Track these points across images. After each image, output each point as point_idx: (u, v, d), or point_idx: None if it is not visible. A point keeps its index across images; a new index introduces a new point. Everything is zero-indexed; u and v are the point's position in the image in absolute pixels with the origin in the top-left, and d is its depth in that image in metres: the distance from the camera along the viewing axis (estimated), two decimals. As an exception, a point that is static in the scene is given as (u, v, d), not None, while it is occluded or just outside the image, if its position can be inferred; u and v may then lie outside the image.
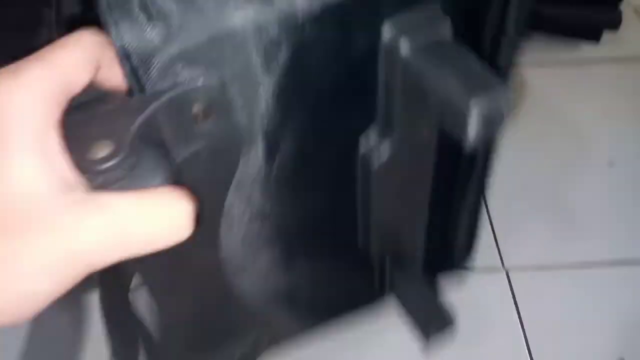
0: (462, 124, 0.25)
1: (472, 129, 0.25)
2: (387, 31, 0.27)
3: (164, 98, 0.24)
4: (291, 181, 0.32)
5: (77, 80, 0.22)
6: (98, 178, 0.21)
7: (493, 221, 0.55)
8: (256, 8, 0.24)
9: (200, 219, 0.24)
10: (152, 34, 0.23)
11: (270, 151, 0.29)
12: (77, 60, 0.22)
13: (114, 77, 0.24)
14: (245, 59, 0.25)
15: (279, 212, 0.33)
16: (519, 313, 0.49)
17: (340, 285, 0.42)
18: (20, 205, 0.20)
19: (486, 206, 0.56)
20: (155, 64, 0.24)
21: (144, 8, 0.23)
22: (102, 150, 0.22)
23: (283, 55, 0.26)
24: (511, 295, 0.50)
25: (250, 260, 0.35)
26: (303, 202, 0.34)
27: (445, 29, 0.28)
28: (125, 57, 0.24)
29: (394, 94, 0.29)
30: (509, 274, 0.51)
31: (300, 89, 0.28)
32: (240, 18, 0.24)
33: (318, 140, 0.31)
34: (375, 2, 0.27)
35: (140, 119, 0.23)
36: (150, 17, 0.23)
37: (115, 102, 0.24)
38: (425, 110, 0.28)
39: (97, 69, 0.24)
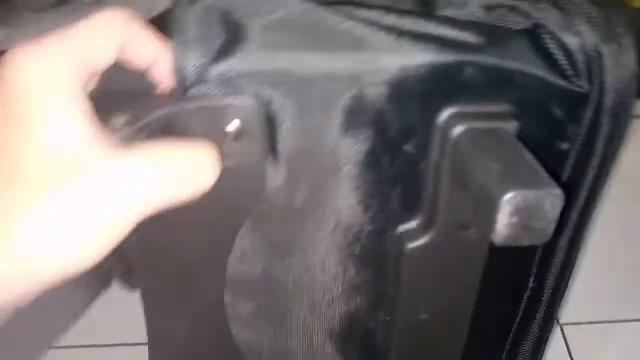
0: (490, 218, 0.21)
1: (502, 227, 0.21)
2: (447, 113, 0.26)
3: (196, 103, 0.24)
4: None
5: (100, 56, 0.23)
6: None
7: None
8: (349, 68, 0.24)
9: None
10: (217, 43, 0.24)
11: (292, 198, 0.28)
12: (99, 36, 0.22)
13: (143, 56, 0.24)
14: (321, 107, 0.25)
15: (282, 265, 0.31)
16: None
17: None
18: (60, 160, 0.21)
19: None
20: (210, 73, 0.24)
21: (224, 20, 0.24)
22: (118, 120, 0.23)
23: (359, 121, 0.26)
24: (566, 350, 0.51)
25: (246, 306, 0.33)
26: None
27: (509, 127, 0.26)
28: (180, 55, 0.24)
29: (442, 177, 0.27)
30: (563, 329, 0.52)
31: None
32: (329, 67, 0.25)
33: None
34: (449, 86, 0.26)
35: (162, 111, 0.24)
36: (225, 29, 0.24)
37: (151, 94, 0.25)
38: (466, 199, 0.25)
39: (124, 46, 0.23)
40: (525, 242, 0.22)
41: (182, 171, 0.23)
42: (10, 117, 0.21)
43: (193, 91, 0.25)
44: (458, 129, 0.26)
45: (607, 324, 0.52)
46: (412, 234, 0.29)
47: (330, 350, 0.35)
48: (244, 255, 0.31)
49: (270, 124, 0.26)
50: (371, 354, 0.36)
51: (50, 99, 0.21)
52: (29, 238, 0.20)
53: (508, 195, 0.21)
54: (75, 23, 0.23)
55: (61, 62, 0.21)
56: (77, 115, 0.21)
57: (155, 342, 0.34)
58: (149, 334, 0.34)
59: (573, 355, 0.50)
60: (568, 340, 0.51)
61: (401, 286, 0.31)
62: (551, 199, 0.21)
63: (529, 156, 0.23)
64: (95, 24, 0.23)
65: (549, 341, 0.37)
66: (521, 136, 0.25)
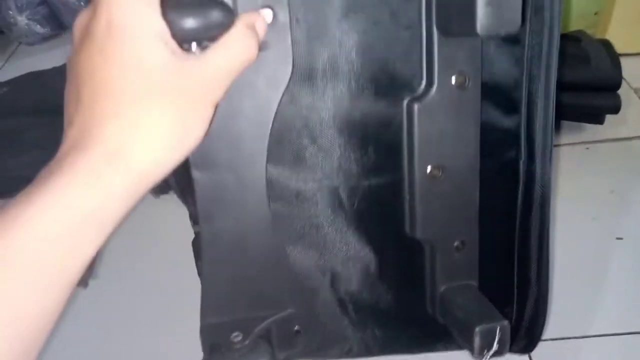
0: (473, 9, 0.29)
1: (481, 17, 0.29)
2: None
3: None
4: None
5: None
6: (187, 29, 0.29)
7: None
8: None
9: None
10: None
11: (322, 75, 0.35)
12: None
13: None
14: None
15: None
16: None
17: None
18: (159, 70, 0.26)
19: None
20: None
21: None
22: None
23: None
24: None
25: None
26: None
27: None
28: None
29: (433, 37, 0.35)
30: None
31: None
32: None
33: None
34: None
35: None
36: None
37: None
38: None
39: None
40: (502, 30, 0.29)
41: (240, 54, 0.29)
42: (111, 44, 0.26)
43: None
44: None
45: (571, 340, 0.54)
46: (418, 98, 0.35)
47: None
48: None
49: None
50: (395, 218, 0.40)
51: (141, 24, 0.26)
52: (139, 147, 0.26)
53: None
54: None
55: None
56: (163, 32, 0.27)
57: (208, 241, 0.37)
58: (203, 236, 0.37)
59: None
60: (533, 357, 0.54)
61: (415, 148, 0.36)
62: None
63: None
64: None
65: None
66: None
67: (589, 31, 0.83)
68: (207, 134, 0.29)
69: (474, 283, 0.41)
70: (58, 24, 1.05)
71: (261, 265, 0.38)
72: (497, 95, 0.38)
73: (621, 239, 0.63)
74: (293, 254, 0.39)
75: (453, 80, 0.35)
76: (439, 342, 0.44)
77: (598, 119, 0.76)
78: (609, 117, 0.76)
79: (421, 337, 0.44)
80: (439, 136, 0.36)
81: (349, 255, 0.40)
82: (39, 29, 1.02)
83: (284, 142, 0.36)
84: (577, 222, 0.65)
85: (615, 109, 0.73)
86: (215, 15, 0.30)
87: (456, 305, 0.39)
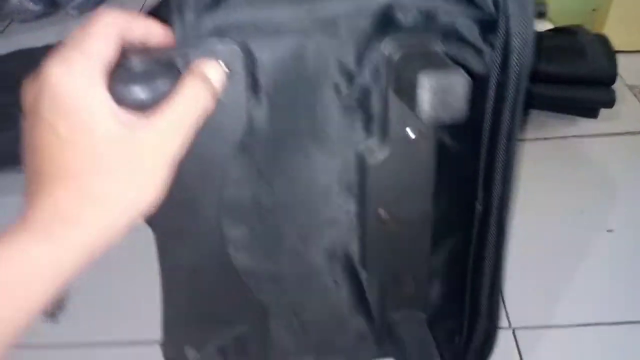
0: (416, 98, 0.29)
1: (425, 105, 0.28)
2: (386, 46, 0.33)
3: (191, 49, 0.31)
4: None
5: (112, 50, 0.28)
6: (137, 100, 0.29)
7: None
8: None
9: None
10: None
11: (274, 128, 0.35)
12: (101, 36, 0.28)
13: (140, 35, 0.31)
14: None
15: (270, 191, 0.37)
16: None
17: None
18: (109, 139, 0.27)
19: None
20: (203, 26, 0.32)
21: None
22: (131, 60, 0.29)
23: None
24: (517, 353, 0.52)
25: (240, 229, 0.39)
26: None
27: (435, 46, 0.33)
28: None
29: (389, 97, 0.34)
30: (515, 332, 0.54)
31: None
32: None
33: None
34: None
35: (169, 52, 0.31)
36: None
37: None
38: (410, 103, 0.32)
39: (123, 34, 0.29)
40: (446, 118, 0.29)
41: (196, 103, 0.29)
42: (57, 119, 0.26)
43: (190, 42, 0.32)
44: (396, 55, 0.32)
45: (560, 329, 0.54)
46: (372, 150, 0.36)
47: (319, 267, 0.41)
48: (236, 181, 0.36)
49: (250, 63, 0.33)
50: (352, 267, 0.41)
51: (85, 97, 0.27)
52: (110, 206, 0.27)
53: (423, 74, 0.28)
54: (79, 29, 0.28)
55: (83, 66, 0.27)
56: (107, 103, 0.27)
57: (166, 269, 0.39)
58: (160, 263, 0.39)
59: (523, 357, 0.52)
60: (520, 344, 0.54)
61: (366, 194, 0.37)
62: (459, 79, 0.28)
63: (448, 60, 0.30)
64: (95, 26, 0.28)
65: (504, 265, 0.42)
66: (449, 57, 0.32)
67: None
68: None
69: (422, 314, 0.42)
70: (51, 2, 1.04)
71: (216, 287, 0.40)
72: (458, 138, 0.38)
73: (612, 231, 0.63)
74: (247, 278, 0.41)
75: (407, 132, 0.35)
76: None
77: (592, 113, 0.76)
78: (602, 112, 0.76)
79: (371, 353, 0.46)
80: (391, 186, 0.37)
81: (303, 276, 0.41)
82: (31, 6, 1.01)
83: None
84: (567, 214, 0.66)
85: (610, 103, 0.73)
86: (164, 83, 0.29)
87: (398, 336, 0.41)
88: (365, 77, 0.34)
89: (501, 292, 0.57)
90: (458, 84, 0.28)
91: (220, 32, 0.32)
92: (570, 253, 0.61)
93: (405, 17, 0.33)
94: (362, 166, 0.37)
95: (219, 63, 0.32)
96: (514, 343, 0.54)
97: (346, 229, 0.39)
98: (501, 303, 0.57)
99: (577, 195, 0.68)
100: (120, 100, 0.28)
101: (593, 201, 0.67)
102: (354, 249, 0.40)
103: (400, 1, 0.32)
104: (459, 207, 0.40)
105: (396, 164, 0.36)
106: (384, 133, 0.35)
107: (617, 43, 0.75)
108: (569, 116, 0.78)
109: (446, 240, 0.41)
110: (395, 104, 0.34)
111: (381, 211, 0.38)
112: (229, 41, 0.32)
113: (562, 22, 0.84)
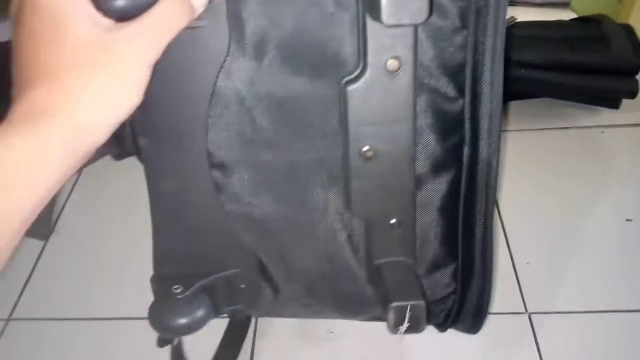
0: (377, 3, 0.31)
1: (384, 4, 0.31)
2: None
3: None
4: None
5: None
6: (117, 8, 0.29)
7: (516, 268, 0.59)
8: None
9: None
10: None
11: (258, 53, 0.35)
12: None
13: None
14: None
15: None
16: (540, 355, 0.52)
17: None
18: (90, 44, 0.28)
19: (510, 255, 0.62)
20: None
21: None
22: None
23: None
24: (533, 338, 0.53)
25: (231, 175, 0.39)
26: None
27: None
28: None
29: (366, 24, 0.34)
30: (531, 317, 0.55)
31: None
32: None
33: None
34: None
35: None
36: None
37: None
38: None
39: None
40: (407, 21, 0.31)
41: (170, 18, 0.30)
42: (37, 25, 0.28)
43: None
44: None
45: (575, 314, 0.55)
46: (352, 80, 0.36)
47: (310, 212, 0.40)
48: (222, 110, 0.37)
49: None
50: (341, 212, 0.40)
51: (64, 1, 0.28)
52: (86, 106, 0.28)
53: None
54: None
55: None
56: (86, 8, 0.28)
57: (154, 204, 0.40)
58: (149, 196, 0.40)
59: (540, 345, 0.53)
60: (535, 329, 0.55)
61: (348, 130, 0.37)
62: None
63: None
64: None
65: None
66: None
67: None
68: (148, 103, 0.30)
69: (410, 260, 0.42)
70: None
71: (204, 227, 0.40)
72: (441, 79, 0.37)
73: (630, 220, 0.63)
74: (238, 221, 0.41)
75: (387, 64, 0.35)
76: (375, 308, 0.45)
77: (614, 103, 0.75)
78: (625, 102, 0.76)
79: (359, 303, 0.45)
80: (373, 119, 0.37)
81: (294, 220, 0.41)
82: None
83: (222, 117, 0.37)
84: (587, 202, 0.66)
85: (633, 93, 0.72)
86: None
87: (384, 280, 0.41)
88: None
89: (517, 278, 0.57)
90: None
91: None
92: (589, 241, 0.62)
93: None
94: (344, 100, 0.37)
95: None
96: (530, 327, 0.55)
97: (335, 169, 0.39)
98: (517, 288, 0.58)
99: (596, 185, 0.68)
100: (101, 6, 0.29)
101: (612, 191, 0.67)
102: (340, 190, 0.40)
103: None
104: (445, 149, 0.40)
105: (376, 97, 0.36)
106: (364, 65, 0.36)
107: (642, 35, 0.75)
108: (591, 106, 0.77)
109: (436, 181, 0.41)
110: (374, 32, 0.34)
111: (364, 148, 0.37)
112: None
113: (586, 13, 0.84)
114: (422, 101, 0.37)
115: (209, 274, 0.41)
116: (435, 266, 0.43)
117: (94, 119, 0.29)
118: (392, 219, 0.40)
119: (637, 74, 0.73)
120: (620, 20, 0.88)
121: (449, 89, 0.37)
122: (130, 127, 0.36)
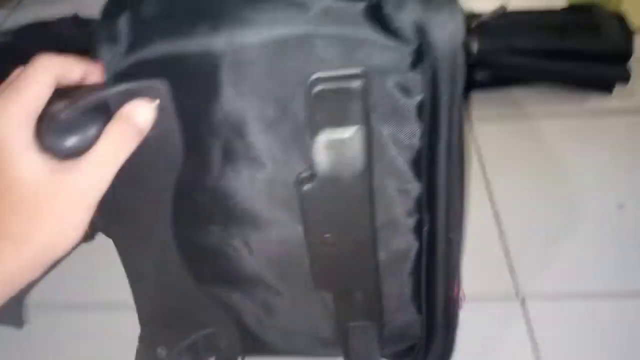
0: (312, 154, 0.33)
1: (320, 158, 0.34)
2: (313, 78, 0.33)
3: (120, 88, 0.32)
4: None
5: (41, 96, 0.30)
6: (64, 148, 0.30)
7: (510, 251, 0.59)
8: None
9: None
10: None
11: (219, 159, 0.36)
12: (37, 82, 0.30)
13: (75, 78, 0.32)
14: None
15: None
16: (533, 340, 0.52)
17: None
18: (30, 195, 0.29)
19: (502, 240, 0.61)
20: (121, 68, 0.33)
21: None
22: (58, 105, 0.30)
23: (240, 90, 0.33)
24: (525, 323, 0.53)
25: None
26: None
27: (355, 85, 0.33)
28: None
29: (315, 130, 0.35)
30: (525, 302, 0.54)
31: None
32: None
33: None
34: None
35: (98, 94, 0.31)
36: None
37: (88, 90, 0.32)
38: None
39: (59, 79, 0.31)
40: (343, 174, 0.35)
41: (117, 145, 0.31)
42: None
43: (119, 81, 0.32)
44: (316, 90, 0.32)
45: (570, 298, 0.55)
46: (308, 179, 0.36)
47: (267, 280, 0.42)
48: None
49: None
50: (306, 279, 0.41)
51: (12, 146, 0.28)
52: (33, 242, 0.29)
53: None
54: (18, 72, 0.31)
55: (12, 111, 0.29)
56: (31, 148, 0.29)
57: (130, 275, 0.42)
58: (126, 272, 0.42)
59: (534, 330, 0.53)
60: (530, 313, 0.54)
61: (307, 214, 0.38)
62: (354, 136, 0.34)
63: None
64: (32, 72, 0.30)
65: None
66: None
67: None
68: (114, 194, 0.31)
69: (375, 324, 0.44)
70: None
71: (178, 298, 0.43)
72: (399, 171, 0.37)
73: (623, 206, 0.63)
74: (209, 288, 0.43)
75: (337, 173, 0.36)
76: None
77: (607, 88, 0.75)
78: (616, 90, 0.75)
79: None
80: (326, 212, 0.38)
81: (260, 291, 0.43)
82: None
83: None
84: (579, 188, 0.66)
85: (626, 78, 0.72)
86: (92, 128, 0.30)
87: (348, 344, 0.44)
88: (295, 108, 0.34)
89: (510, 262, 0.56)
90: (353, 139, 0.33)
91: (145, 67, 0.33)
92: (581, 226, 0.62)
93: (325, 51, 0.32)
94: (300, 194, 0.37)
95: (146, 99, 0.32)
96: (521, 312, 0.54)
97: (297, 245, 0.40)
98: (509, 272, 0.57)
99: (588, 170, 0.67)
100: (47, 146, 0.29)
101: (605, 176, 0.67)
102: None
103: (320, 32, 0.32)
104: (408, 226, 0.40)
105: (330, 197, 0.37)
106: (314, 171, 0.36)
107: (635, 23, 0.74)
108: (582, 93, 0.77)
109: (400, 254, 0.41)
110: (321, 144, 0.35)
111: (323, 234, 0.39)
112: (156, 79, 0.32)
113: (578, 1, 0.83)
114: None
115: (190, 334, 0.44)
116: (403, 324, 0.45)
117: (34, 262, 0.30)
118: (355, 291, 0.42)
119: (628, 60, 0.73)
120: (611, 8, 0.88)
121: (408, 177, 0.37)
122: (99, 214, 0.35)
